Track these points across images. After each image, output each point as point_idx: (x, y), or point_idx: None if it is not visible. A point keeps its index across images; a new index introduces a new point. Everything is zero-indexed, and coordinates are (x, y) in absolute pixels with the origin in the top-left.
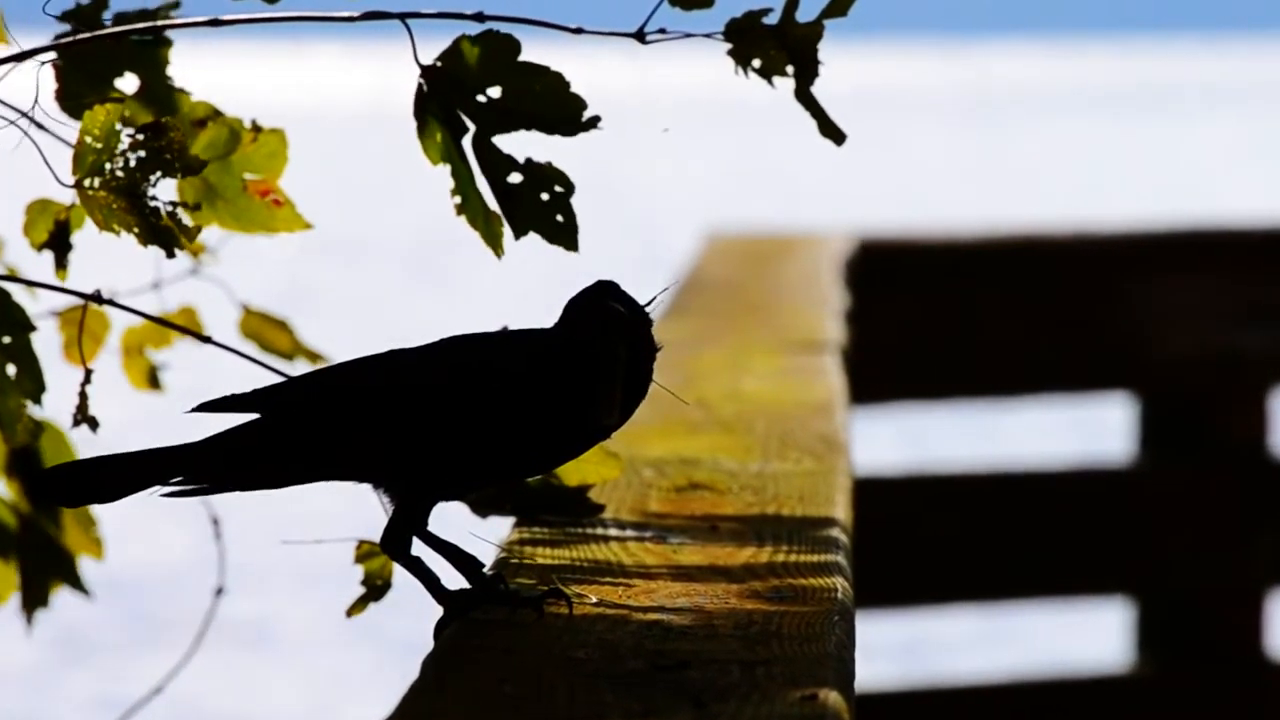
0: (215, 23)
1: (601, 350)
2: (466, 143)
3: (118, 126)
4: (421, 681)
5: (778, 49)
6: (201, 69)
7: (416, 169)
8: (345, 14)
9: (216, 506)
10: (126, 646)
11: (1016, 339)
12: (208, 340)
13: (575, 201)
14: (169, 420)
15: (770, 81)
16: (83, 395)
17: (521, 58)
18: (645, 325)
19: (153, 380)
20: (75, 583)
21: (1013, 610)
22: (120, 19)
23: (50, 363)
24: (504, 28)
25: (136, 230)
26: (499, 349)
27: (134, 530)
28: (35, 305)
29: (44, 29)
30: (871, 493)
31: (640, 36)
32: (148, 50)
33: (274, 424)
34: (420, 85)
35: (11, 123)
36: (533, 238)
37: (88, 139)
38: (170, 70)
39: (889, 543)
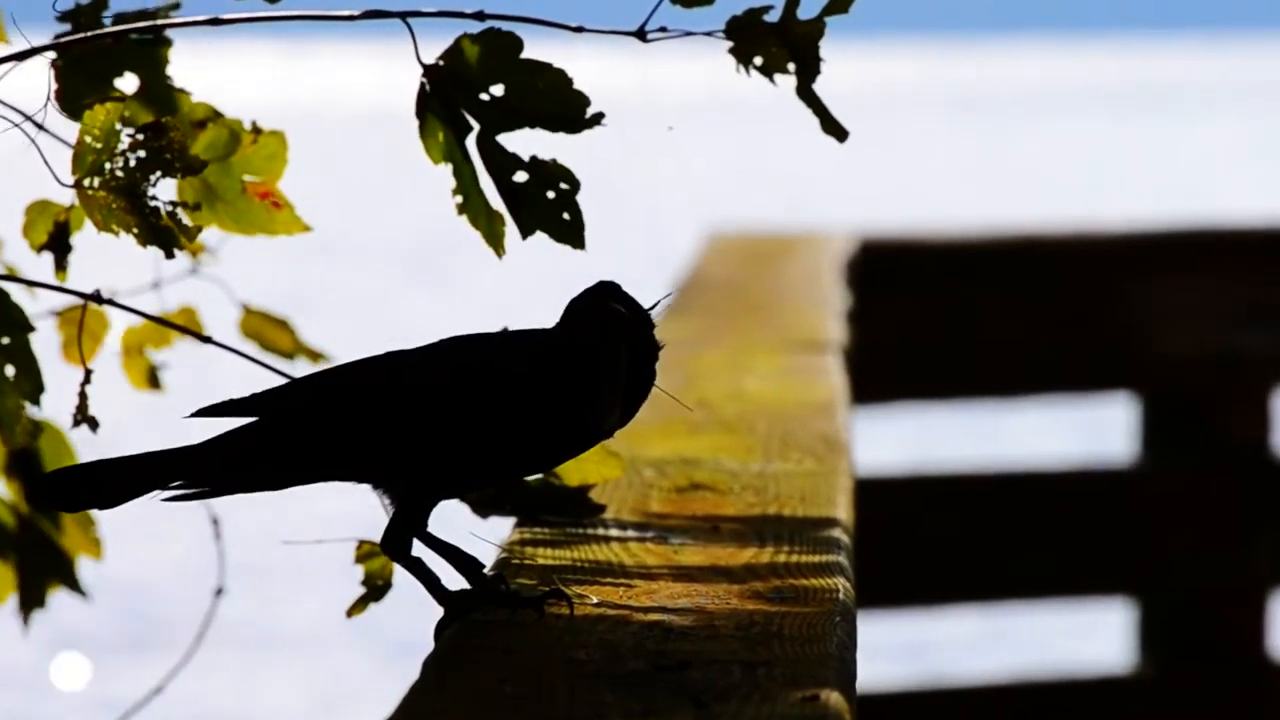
0: (215, 22)
1: (603, 351)
2: (469, 142)
3: (118, 126)
4: (422, 682)
5: (779, 46)
6: (201, 69)
7: (417, 169)
8: (346, 13)
9: (216, 507)
10: (126, 647)
11: (1017, 339)
12: (208, 340)
13: (578, 200)
14: (169, 420)
15: (772, 79)
16: (82, 395)
17: (523, 56)
18: (647, 326)
19: (153, 380)
20: (73, 584)
21: (1014, 610)
22: (120, 19)
23: (50, 363)
24: (505, 26)
25: (136, 230)
26: (500, 349)
27: (134, 530)
28: (34, 305)
29: (44, 29)
30: (873, 493)
31: (641, 35)
32: (148, 50)
33: (274, 426)
34: (423, 84)
35: (16, 125)
36: (535, 237)
37: (87, 139)
38: (170, 70)
39: (890, 543)
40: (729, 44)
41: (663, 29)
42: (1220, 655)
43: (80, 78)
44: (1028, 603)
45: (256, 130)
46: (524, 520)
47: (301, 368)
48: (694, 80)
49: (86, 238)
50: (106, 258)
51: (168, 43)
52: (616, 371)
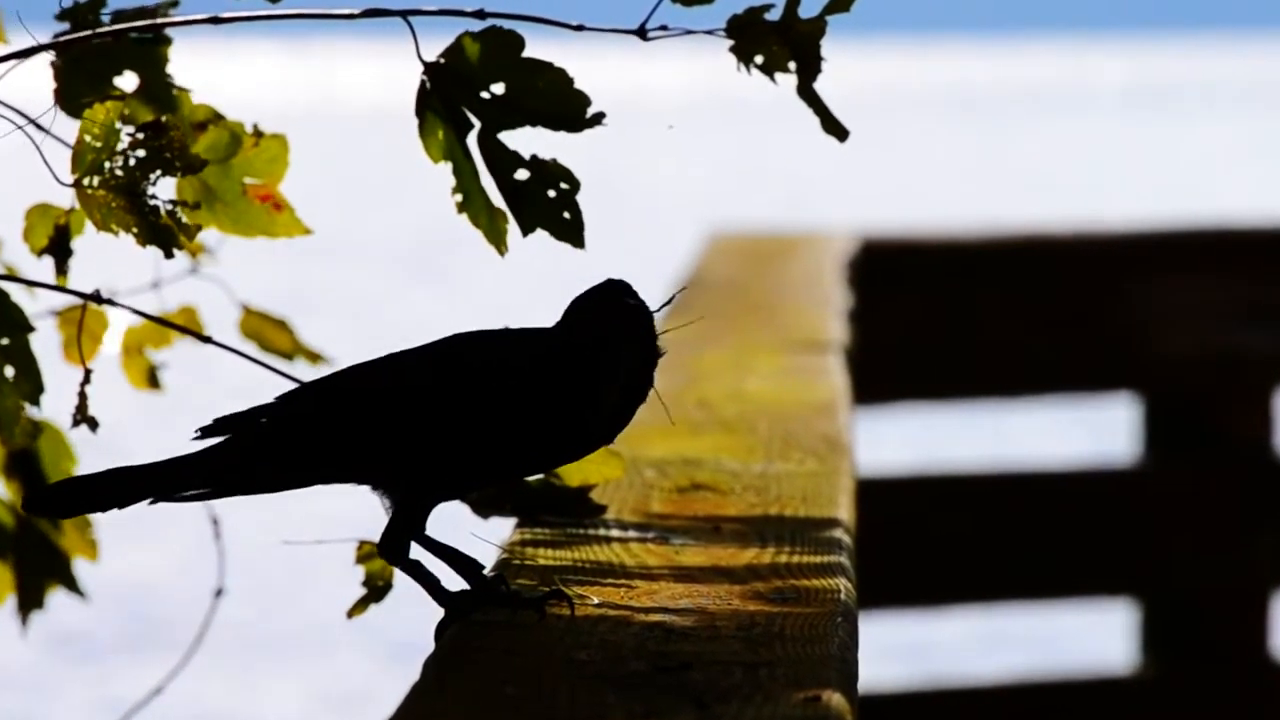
0: (215, 20)
1: (610, 348)
2: (470, 140)
3: (117, 125)
4: (422, 683)
5: (780, 45)
6: (201, 68)
7: (417, 168)
8: (346, 11)
9: (216, 507)
10: (126, 648)
11: (1018, 339)
12: (208, 340)
13: (579, 199)
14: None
15: (772, 78)
16: (82, 395)
17: (524, 55)
18: (653, 328)
19: (152, 380)
20: (71, 584)
21: (1015, 611)
22: (119, 17)
23: (50, 363)
24: (506, 25)
25: (135, 230)
26: (499, 349)
27: (134, 530)
28: (34, 305)
29: (43, 28)
30: (874, 493)
31: (642, 33)
32: (147, 49)
33: (275, 429)
34: (423, 82)
35: (19, 128)
36: (535, 237)
37: (87, 138)
38: (170, 69)
39: (892, 543)
40: (730, 42)
41: (663, 27)
42: (1222, 655)
43: (80, 76)
44: (1029, 603)
45: (258, 133)
46: (524, 521)
47: (301, 368)
48: (694, 80)
49: (86, 238)
50: (106, 258)
51: (167, 41)
52: (617, 371)
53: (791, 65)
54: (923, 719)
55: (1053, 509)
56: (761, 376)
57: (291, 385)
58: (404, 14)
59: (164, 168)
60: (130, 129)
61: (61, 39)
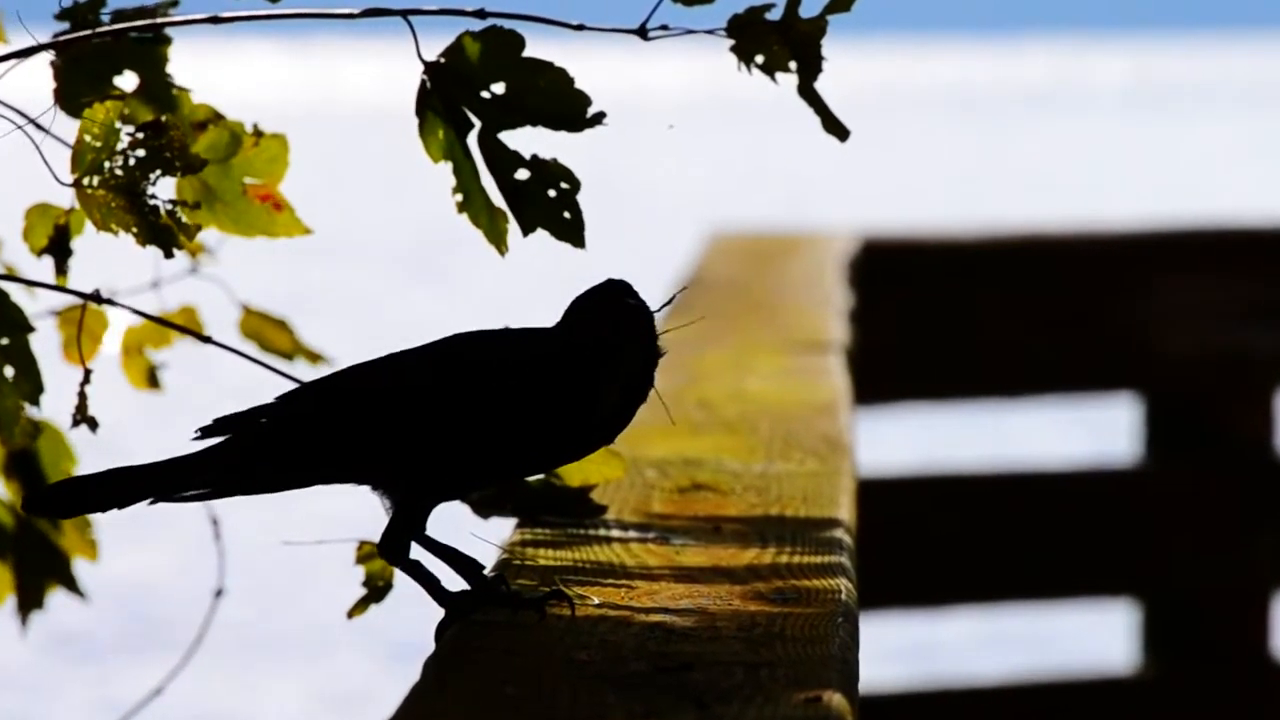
0: (215, 20)
1: (617, 349)
2: (470, 140)
3: (117, 125)
4: (423, 683)
5: (781, 45)
6: (201, 67)
7: (417, 168)
8: (347, 11)
9: (216, 507)
10: (126, 648)
11: (1018, 339)
12: (208, 340)
13: (579, 199)
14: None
15: (773, 78)
16: (82, 395)
17: (524, 54)
18: (654, 328)
19: (152, 380)
20: (71, 585)
21: (1016, 611)
22: (119, 17)
23: (50, 363)
24: (506, 24)
25: (135, 229)
26: (500, 348)
27: (134, 530)
28: (34, 305)
29: (43, 28)
30: (875, 493)
31: (642, 33)
32: (147, 48)
33: (275, 429)
34: (423, 81)
35: (19, 128)
36: (535, 237)
37: (87, 137)
38: (170, 68)
39: (893, 544)
40: (730, 42)
41: (664, 27)
42: (1222, 655)
43: (80, 76)
44: (1029, 603)
45: (258, 133)
46: (525, 521)
47: (301, 368)
48: (694, 80)
49: (86, 238)
50: (106, 258)
51: (167, 41)
52: (617, 371)
53: (792, 65)
54: (923, 719)
55: (1053, 509)
56: (762, 376)
57: (291, 385)
58: (404, 14)
59: (164, 167)
60: (130, 129)
61: (61, 39)
